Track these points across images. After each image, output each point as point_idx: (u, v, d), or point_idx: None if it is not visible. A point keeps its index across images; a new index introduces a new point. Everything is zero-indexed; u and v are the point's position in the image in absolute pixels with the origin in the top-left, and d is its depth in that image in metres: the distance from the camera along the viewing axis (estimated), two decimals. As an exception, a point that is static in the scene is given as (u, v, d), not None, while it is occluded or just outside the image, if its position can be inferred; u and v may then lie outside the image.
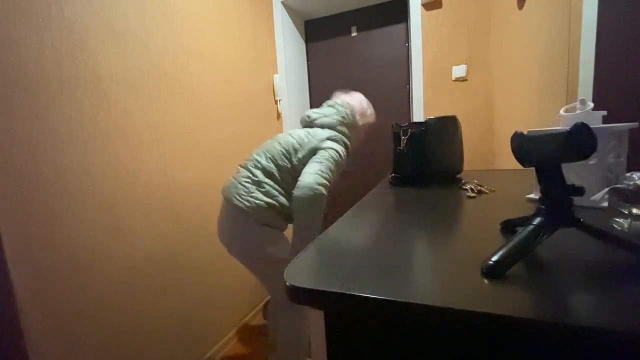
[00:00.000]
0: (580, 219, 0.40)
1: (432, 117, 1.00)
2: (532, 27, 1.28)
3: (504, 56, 1.66)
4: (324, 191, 1.02)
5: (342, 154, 1.14)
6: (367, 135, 1.39)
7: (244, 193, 1.12)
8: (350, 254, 0.47)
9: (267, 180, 1.13)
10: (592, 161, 0.59)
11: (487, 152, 1.96)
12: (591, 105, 0.62)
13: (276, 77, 2.27)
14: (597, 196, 0.58)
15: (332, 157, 1.09)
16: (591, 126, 0.36)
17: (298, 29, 2.52)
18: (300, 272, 0.42)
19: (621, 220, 0.48)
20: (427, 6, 1.97)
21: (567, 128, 0.37)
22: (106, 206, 1.12)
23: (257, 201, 1.10)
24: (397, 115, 2.40)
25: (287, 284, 0.39)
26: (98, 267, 1.09)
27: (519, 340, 0.30)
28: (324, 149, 1.11)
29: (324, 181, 1.03)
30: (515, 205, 0.67)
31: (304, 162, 1.11)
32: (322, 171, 1.04)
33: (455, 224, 0.60)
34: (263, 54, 2.14)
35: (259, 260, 1.17)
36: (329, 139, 1.14)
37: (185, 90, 1.48)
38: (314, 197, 1.00)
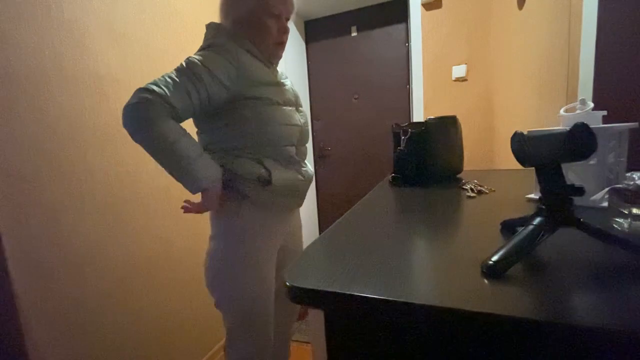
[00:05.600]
0: (580, 219, 0.40)
1: (432, 117, 1.00)
2: (532, 27, 1.28)
3: (504, 56, 1.66)
4: (148, 95, 0.78)
5: (200, 60, 0.82)
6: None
7: None
8: (350, 254, 0.47)
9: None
10: (592, 161, 0.59)
11: (487, 152, 1.96)
12: (591, 105, 0.62)
13: (276, 77, 2.27)
14: (597, 196, 0.58)
15: (180, 66, 0.84)
16: (591, 126, 0.36)
17: (298, 29, 2.52)
18: (301, 272, 0.42)
19: (621, 220, 0.48)
20: (427, 6, 1.97)
21: (567, 128, 0.37)
22: (106, 206, 1.12)
23: None
24: (397, 115, 2.40)
25: (288, 284, 0.39)
26: (98, 266, 1.09)
27: (519, 340, 0.30)
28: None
29: (152, 86, 0.79)
30: (515, 205, 0.67)
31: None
32: (157, 79, 0.81)
33: (455, 224, 0.60)
34: (263, 54, 2.14)
35: None
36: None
37: (185, 90, 1.47)
38: (131, 105, 0.77)
